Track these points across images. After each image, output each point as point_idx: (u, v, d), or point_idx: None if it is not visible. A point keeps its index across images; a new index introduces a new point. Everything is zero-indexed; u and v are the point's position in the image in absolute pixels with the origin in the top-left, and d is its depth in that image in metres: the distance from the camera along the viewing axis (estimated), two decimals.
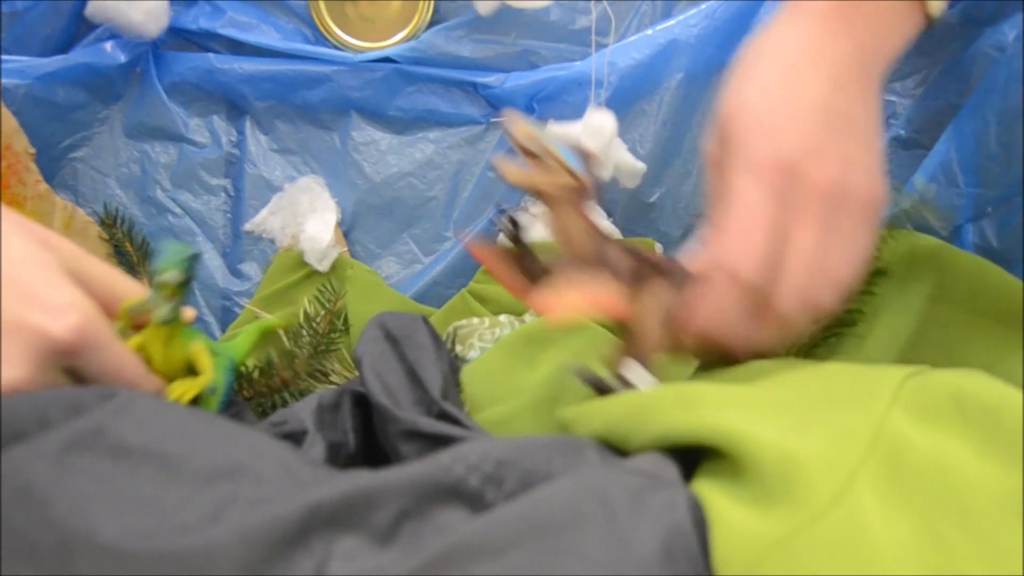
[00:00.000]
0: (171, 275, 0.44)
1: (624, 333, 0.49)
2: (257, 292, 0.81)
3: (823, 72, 0.47)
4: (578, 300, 0.47)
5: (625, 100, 0.73)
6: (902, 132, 0.70)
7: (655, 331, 0.48)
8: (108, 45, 0.80)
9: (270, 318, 0.76)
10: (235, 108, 0.83)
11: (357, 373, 0.68)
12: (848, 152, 0.47)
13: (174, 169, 0.83)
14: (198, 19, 0.79)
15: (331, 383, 0.68)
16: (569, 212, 0.48)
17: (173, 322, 0.45)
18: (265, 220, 0.82)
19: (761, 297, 0.46)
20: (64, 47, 0.81)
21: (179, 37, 0.82)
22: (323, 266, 0.78)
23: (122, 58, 0.80)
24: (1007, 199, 0.56)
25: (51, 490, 0.28)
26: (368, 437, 0.50)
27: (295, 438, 0.45)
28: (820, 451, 0.30)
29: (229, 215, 0.83)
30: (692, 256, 0.49)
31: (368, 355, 0.50)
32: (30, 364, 0.37)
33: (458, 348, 0.67)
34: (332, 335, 0.71)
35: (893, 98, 0.71)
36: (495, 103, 0.78)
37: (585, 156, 0.48)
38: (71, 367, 0.40)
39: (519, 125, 0.46)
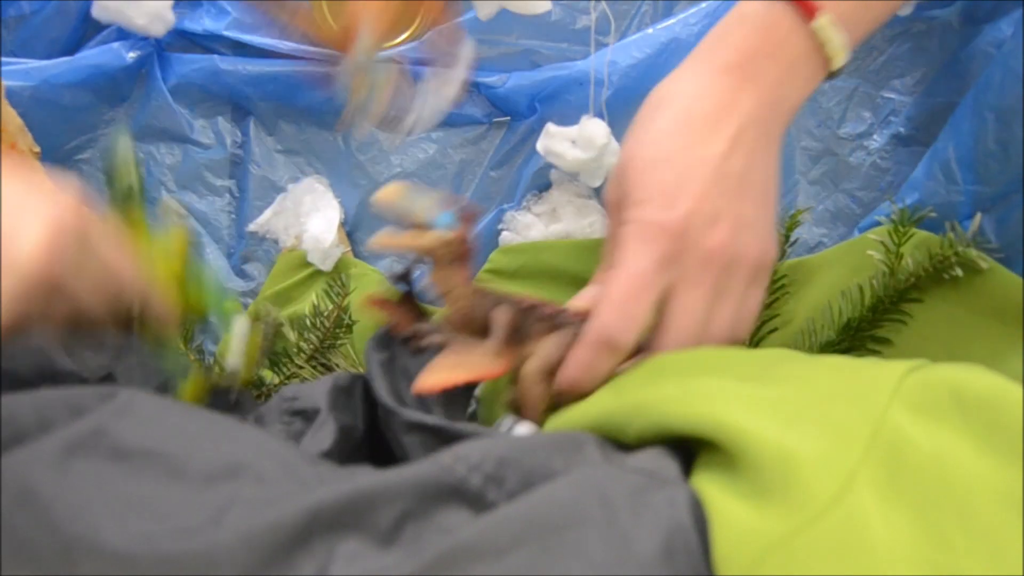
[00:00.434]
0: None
1: (509, 388, 0.50)
2: (261, 292, 0.82)
3: (722, 131, 0.47)
4: (456, 376, 0.48)
5: (626, 99, 0.73)
6: (901, 130, 0.70)
7: (536, 388, 0.49)
8: (114, 47, 0.80)
9: (276, 313, 0.77)
10: (239, 109, 0.83)
11: (360, 370, 0.69)
12: (740, 215, 0.48)
13: (179, 170, 0.83)
14: (202, 21, 0.80)
15: None
16: (450, 271, 0.49)
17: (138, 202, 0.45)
18: (269, 220, 0.82)
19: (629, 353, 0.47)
20: (70, 50, 0.82)
21: (184, 39, 0.82)
22: (326, 266, 0.78)
23: (127, 60, 0.80)
24: (1005, 196, 0.56)
25: (52, 494, 0.28)
26: (373, 423, 0.50)
27: (306, 416, 0.46)
28: (819, 449, 0.30)
29: (233, 216, 0.84)
30: (586, 300, 0.50)
31: (376, 356, 0.50)
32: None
33: None
34: (338, 331, 0.72)
35: (892, 95, 0.71)
36: (497, 103, 0.78)
37: (461, 212, 0.48)
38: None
39: (379, 193, 0.47)
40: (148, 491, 0.29)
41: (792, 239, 0.64)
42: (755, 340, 0.62)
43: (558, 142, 0.71)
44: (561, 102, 0.75)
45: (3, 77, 0.75)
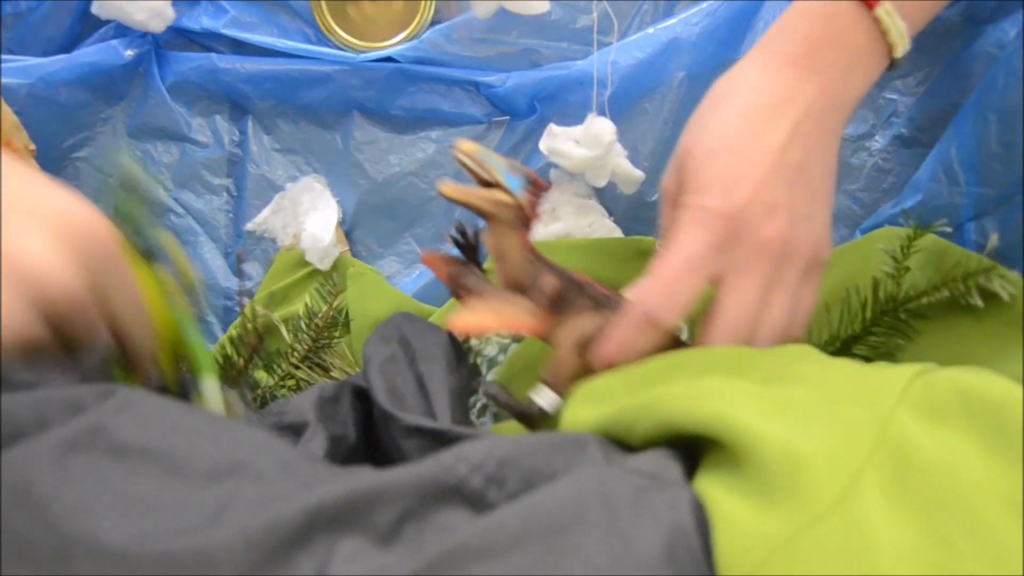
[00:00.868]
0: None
1: (544, 357, 0.50)
2: (259, 291, 0.81)
3: (784, 120, 0.47)
4: (487, 320, 0.48)
5: (627, 99, 0.73)
6: (904, 131, 0.70)
7: (568, 358, 0.48)
8: (111, 45, 0.80)
9: (273, 316, 0.77)
10: (237, 108, 0.83)
11: (357, 370, 0.69)
12: (798, 206, 0.47)
13: (176, 169, 0.83)
14: (201, 19, 0.79)
15: (332, 378, 0.68)
16: (506, 232, 0.49)
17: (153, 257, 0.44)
18: (267, 220, 0.82)
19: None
20: (67, 47, 0.82)
21: (182, 37, 0.82)
22: (324, 265, 0.78)
23: (125, 58, 0.80)
24: (1008, 197, 0.56)
25: (51, 491, 0.28)
26: (368, 430, 0.49)
27: (295, 430, 0.45)
28: (825, 449, 0.30)
29: (231, 215, 0.84)
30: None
31: (377, 355, 0.50)
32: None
33: (474, 342, 0.67)
34: (332, 330, 0.71)
35: (894, 96, 0.71)
36: (497, 102, 0.78)
37: (531, 180, 0.48)
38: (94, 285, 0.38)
39: (463, 143, 0.47)
40: (147, 489, 0.29)
41: None
42: None
43: (562, 142, 0.71)
44: (560, 101, 0.75)
45: (1, 75, 0.75)
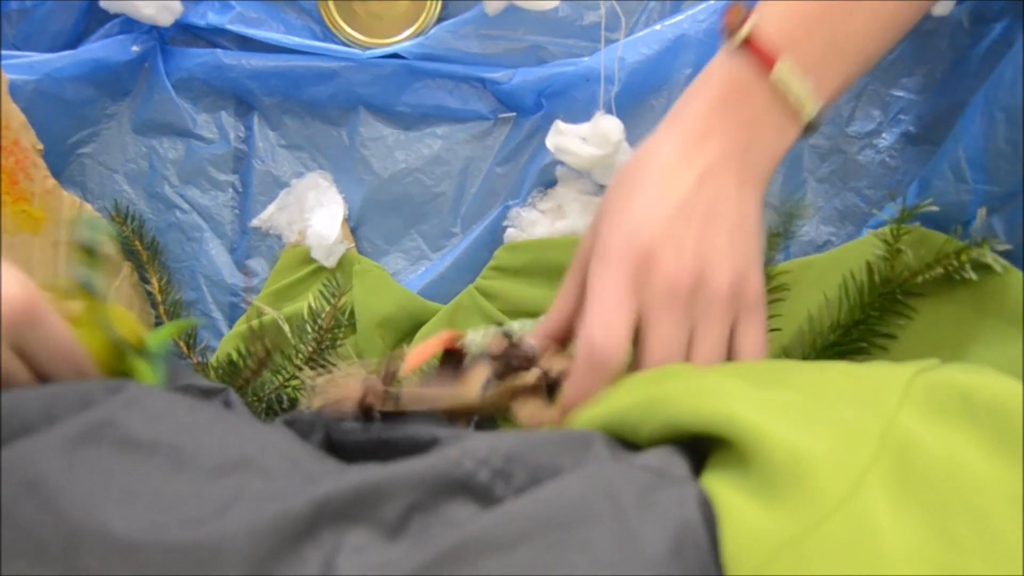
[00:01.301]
0: (83, 234, 0.43)
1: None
2: (264, 288, 0.81)
3: (692, 169, 0.48)
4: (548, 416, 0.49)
5: (633, 95, 0.73)
6: (911, 128, 0.70)
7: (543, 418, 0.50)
8: (117, 41, 0.80)
9: (275, 314, 0.77)
10: (243, 104, 0.83)
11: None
12: (710, 245, 0.47)
13: (182, 165, 0.83)
14: (207, 15, 0.79)
15: None
16: (538, 402, 0.50)
17: (92, 291, 0.44)
18: (272, 216, 0.82)
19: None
20: (73, 44, 0.82)
21: (187, 33, 0.82)
22: (330, 262, 0.78)
23: (131, 54, 0.80)
24: (1014, 195, 0.56)
25: (59, 482, 0.28)
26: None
27: None
28: (830, 450, 0.30)
29: (237, 211, 0.84)
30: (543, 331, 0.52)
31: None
32: None
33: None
34: (336, 330, 0.71)
35: (902, 93, 0.70)
36: (503, 99, 0.78)
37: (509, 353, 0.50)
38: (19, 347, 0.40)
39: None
40: (155, 481, 0.29)
41: (798, 235, 0.64)
42: None
43: (569, 139, 0.71)
44: (567, 98, 0.75)
45: (6, 71, 0.75)
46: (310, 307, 0.72)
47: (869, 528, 0.28)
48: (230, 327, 0.82)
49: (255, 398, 0.65)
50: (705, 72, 0.50)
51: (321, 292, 0.73)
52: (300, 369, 0.69)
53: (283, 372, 0.68)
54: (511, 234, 0.76)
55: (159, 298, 0.80)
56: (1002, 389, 0.30)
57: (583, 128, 0.71)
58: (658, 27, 0.73)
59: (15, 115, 0.72)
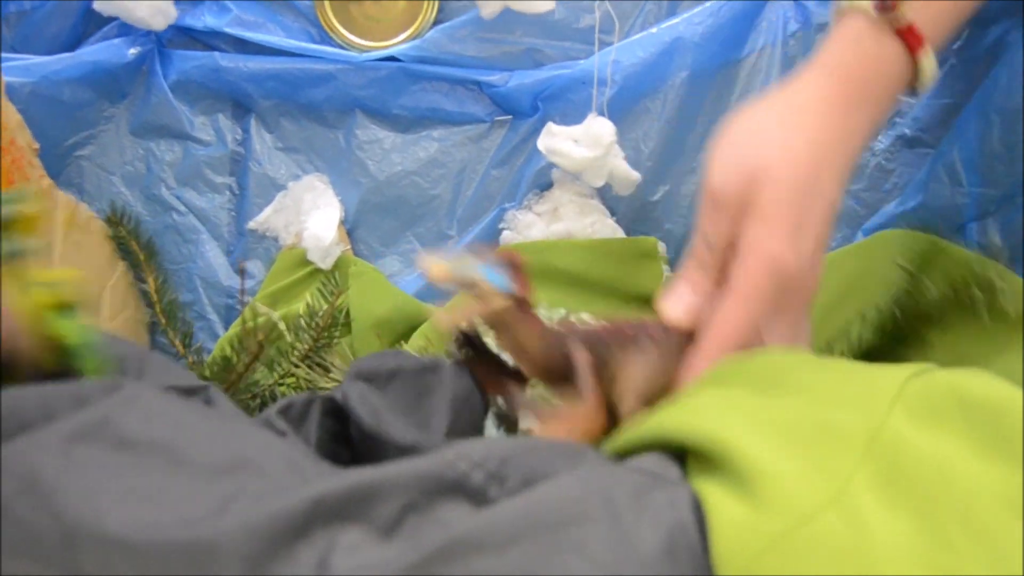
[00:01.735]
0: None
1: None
2: (260, 290, 0.82)
3: (837, 166, 0.48)
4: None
5: (629, 98, 0.73)
6: (907, 131, 0.70)
7: (633, 413, 0.47)
8: (115, 43, 0.80)
9: (272, 314, 0.77)
10: (240, 106, 0.83)
11: None
12: (826, 248, 0.50)
13: (179, 167, 0.83)
14: (204, 17, 0.80)
15: (332, 379, 0.68)
16: (516, 328, 0.47)
17: (19, 258, 0.43)
18: (269, 218, 0.82)
19: None
20: (71, 46, 0.82)
21: (185, 35, 0.82)
22: (326, 264, 0.78)
23: (128, 56, 0.80)
24: (1010, 198, 0.56)
25: (56, 480, 0.28)
26: (336, 447, 0.48)
27: None
28: (812, 459, 0.30)
29: (233, 213, 0.84)
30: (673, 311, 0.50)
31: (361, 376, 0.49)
32: None
33: None
34: (332, 329, 0.71)
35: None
36: (499, 102, 0.78)
37: (509, 262, 0.47)
38: None
39: (433, 266, 0.44)
40: (152, 480, 0.29)
41: None
42: None
43: (560, 141, 0.71)
44: (563, 101, 0.75)
45: (4, 73, 0.75)
46: (308, 305, 0.72)
47: (857, 526, 0.28)
48: (226, 328, 0.82)
49: (250, 395, 0.65)
50: (853, 32, 0.50)
51: (319, 291, 0.73)
52: (296, 367, 0.69)
53: (278, 369, 0.68)
54: (507, 236, 0.77)
55: (155, 298, 0.80)
56: (996, 391, 0.30)
57: (575, 130, 0.72)
58: (653, 30, 0.73)
59: (11, 115, 0.73)
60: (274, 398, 0.66)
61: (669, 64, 0.73)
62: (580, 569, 0.27)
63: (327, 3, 0.78)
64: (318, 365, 0.70)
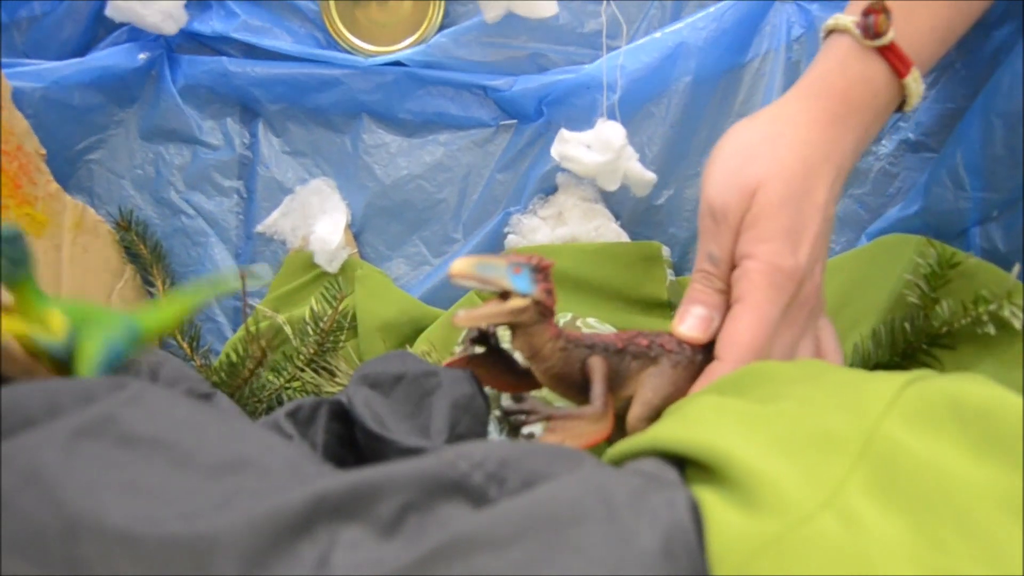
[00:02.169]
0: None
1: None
2: (268, 293, 0.82)
3: (827, 178, 0.50)
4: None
5: (633, 103, 0.74)
6: (910, 135, 0.70)
7: (639, 430, 0.48)
8: (124, 48, 0.81)
9: (279, 318, 0.77)
10: (248, 111, 0.84)
11: None
12: (825, 258, 0.52)
13: (188, 171, 0.84)
14: (212, 23, 0.80)
15: (337, 383, 0.69)
16: (533, 332, 0.47)
17: (19, 279, 0.43)
18: (276, 222, 0.83)
19: None
20: (81, 51, 0.82)
21: (193, 40, 0.83)
22: (333, 267, 0.79)
23: (138, 61, 0.81)
24: (1013, 202, 0.56)
25: (59, 474, 0.28)
26: (342, 451, 0.48)
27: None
28: (806, 465, 0.31)
29: (241, 216, 0.84)
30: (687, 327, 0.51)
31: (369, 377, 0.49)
32: None
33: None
34: (337, 333, 0.72)
35: None
36: (504, 106, 0.79)
37: (535, 267, 0.47)
38: None
39: (455, 266, 0.45)
40: (154, 477, 0.29)
41: None
42: None
43: (573, 147, 0.71)
44: (568, 106, 0.75)
45: (14, 78, 0.75)
46: (312, 310, 0.73)
47: (851, 528, 0.28)
48: (234, 331, 0.83)
49: (255, 399, 0.66)
50: (838, 56, 0.51)
51: (323, 295, 0.73)
52: (301, 371, 0.69)
53: (284, 373, 0.69)
54: (512, 240, 0.77)
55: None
56: (992, 396, 0.30)
57: (587, 135, 0.72)
58: (657, 35, 0.73)
59: (18, 121, 0.73)
60: (280, 402, 0.66)
61: (673, 68, 0.73)
62: (579, 568, 0.27)
63: (333, 8, 0.79)
64: (323, 369, 0.70)
